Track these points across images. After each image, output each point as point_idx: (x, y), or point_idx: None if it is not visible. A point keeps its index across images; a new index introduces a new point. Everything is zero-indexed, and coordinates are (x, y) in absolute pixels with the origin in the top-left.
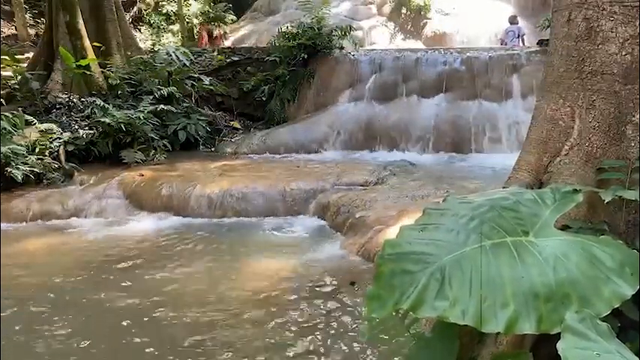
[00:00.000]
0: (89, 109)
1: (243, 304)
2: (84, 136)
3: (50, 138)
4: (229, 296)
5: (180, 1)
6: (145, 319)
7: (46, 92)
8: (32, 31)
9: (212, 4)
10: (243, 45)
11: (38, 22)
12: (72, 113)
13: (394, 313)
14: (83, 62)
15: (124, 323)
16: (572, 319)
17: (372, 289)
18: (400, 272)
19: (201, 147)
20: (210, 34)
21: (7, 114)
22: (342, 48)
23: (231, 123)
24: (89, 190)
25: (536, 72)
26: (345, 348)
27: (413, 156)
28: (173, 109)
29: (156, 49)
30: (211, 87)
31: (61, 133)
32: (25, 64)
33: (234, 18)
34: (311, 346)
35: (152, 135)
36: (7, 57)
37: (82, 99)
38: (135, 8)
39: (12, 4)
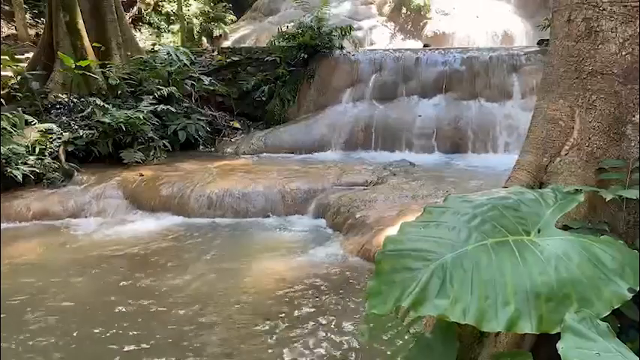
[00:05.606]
0: (89, 109)
1: (243, 305)
2: (84, 136)
3: (50, 138)
4: (229, 297)
5: (180, 1)
6: (144, 319)
7: (46, 92)
8: (32, 31)
9: (212, 4)
10: (243, 45)
11: (38, 22)
12: (72, 113)
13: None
14: (83, 63)
15: (123, 324)
16: (573, 319)
17: (373, 285)
18: (401, 269)
19: (201, 147)
20: (210, 35)
21: (7, 114)
22: (342, 48)
23: (231, 123)
24: (89, 190)
25: (536, 72)
26: (345, 348)
27: (413, 156)
28: (173, 109)
29: (156, 49)
30: (211, 87)
31: (61, 133)
32: (25, 64)
33: (234, 18)
34: (311, 347)
35: (152, 135)
36: (7, 57)
37: (82, 99)
38: (135, 8)
39: (12, 4)
